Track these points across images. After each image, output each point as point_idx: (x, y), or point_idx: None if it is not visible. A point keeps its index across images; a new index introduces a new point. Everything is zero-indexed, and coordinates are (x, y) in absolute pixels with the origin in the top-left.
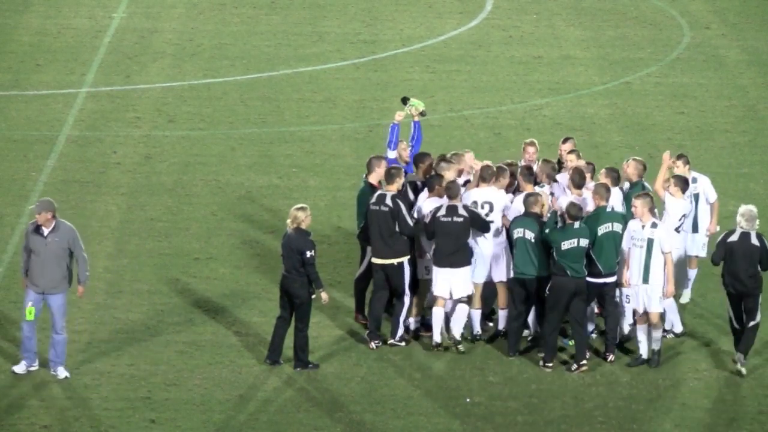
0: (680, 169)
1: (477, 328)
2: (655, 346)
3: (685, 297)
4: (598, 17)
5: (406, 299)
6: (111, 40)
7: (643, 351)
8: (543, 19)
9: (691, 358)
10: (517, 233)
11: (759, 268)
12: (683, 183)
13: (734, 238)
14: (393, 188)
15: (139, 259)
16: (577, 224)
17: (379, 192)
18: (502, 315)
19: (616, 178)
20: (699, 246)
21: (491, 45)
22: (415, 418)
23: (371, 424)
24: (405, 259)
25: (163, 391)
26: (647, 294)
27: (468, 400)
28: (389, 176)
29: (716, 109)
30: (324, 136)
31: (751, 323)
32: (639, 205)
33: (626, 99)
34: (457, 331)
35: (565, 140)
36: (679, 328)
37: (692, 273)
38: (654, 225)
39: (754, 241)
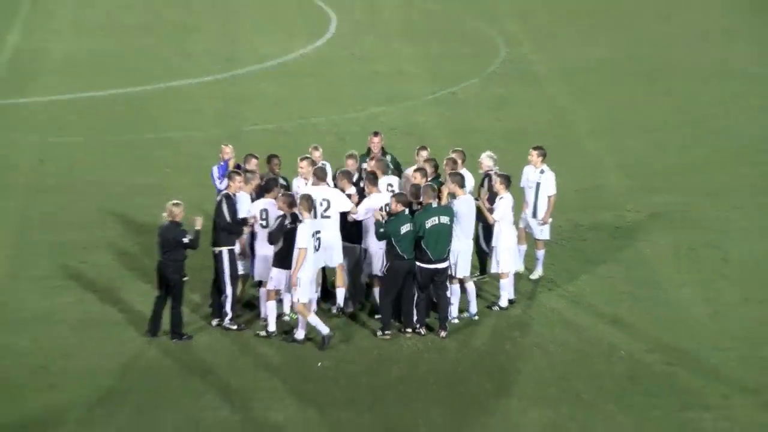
0: (533, 158)
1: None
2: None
3: (536, 274)
4: (427, 37)
5: (228, 289)
6: (7, 60)
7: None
8: (380, 39)
9: (507, 326)
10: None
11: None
12: (507, 180)
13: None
14: (231, 188)
15: (35, 248)
16: (407, 210)
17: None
18: (339, 292)
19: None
20: (540, 231)
21: (336, 61)
22: (274, 381)
23: (237, 386)
24: (224, 249)
25: (58, 362)
26: None
27: (319, 364)
28: (229, 177)
29: (529, 115)
30: (191, 140)
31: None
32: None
33: (452, 107)
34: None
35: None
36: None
37: (540, 254)
38: None
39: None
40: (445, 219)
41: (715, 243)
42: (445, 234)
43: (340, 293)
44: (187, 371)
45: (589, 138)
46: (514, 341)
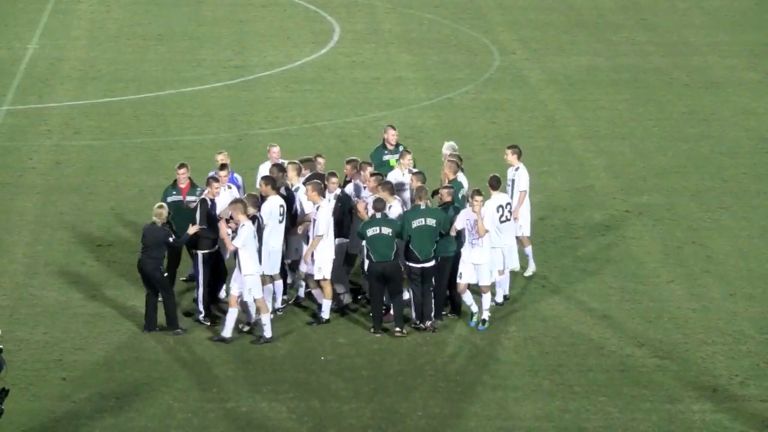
0: (509, 157)
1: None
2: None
3: (530, 270)
4: (424, 45)
5: (199, 290)
6: (26, 66)
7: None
8: (380, 47)
9: (502, 321)
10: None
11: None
12: (496, 182)
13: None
14: (209, 193)
15: (51, 246)
16: (379, 215)
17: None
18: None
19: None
20: (519, 227)
21: (338, 69)
22: (279, 374)
23: (243, 379)
24: (198, 252)
25: (72, 354)
26: None
27: (323, 358)
28: (207, 183)
29: (521, 119)
30: (202, 144)
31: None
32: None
33: (448, 112)
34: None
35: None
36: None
37: (528, 250)
38: None
39: None
40: (431, 221)
41: (701, 241)
42: (429, 235)
43: (327, 305)
44: (194, 364)
45: (577, 140)
46: (509, 335)
